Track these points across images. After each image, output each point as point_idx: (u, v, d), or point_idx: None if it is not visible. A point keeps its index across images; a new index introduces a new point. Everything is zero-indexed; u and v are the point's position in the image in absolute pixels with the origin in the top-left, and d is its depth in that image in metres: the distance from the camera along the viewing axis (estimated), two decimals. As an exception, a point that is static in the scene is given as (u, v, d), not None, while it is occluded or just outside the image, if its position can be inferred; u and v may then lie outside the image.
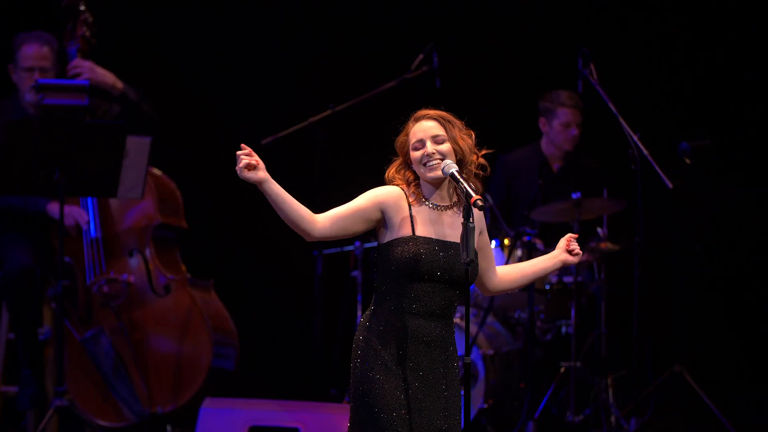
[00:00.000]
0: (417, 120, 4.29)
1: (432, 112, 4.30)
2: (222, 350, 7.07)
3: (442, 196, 4.30)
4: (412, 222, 4.24)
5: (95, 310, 6.98)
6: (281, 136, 7.51)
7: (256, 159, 4.09)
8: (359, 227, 4.25)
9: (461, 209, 4.28)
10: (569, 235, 4.51)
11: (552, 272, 4.55)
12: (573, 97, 7.66)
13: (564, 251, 4.48)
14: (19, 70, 6.88)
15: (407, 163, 4.31)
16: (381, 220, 4.25)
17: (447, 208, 4.31)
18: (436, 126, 4.27)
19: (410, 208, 4.26)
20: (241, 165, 4.08)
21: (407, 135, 4.29)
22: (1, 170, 6.22)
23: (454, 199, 4.32)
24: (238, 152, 4.08)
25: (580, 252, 4.50)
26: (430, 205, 4.29)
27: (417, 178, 4.30)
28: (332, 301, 8.01)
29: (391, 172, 4.34)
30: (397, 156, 4.35)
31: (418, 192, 4.29)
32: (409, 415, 4.19)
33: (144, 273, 7.03)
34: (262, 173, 4.09)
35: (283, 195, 4.13)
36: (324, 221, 4.20)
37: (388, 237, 4.25)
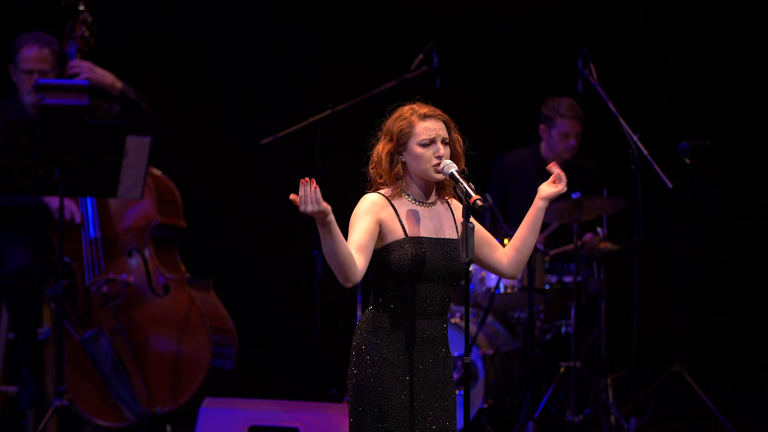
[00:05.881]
0: (426, 116, 4.23)
1: (439, 111, 4.27)
2: (221, 350, 7.07)
3: (428, 194, 4.29)
4: (402, 224, 4.23)
5: (94, 311, 6.98)
6: (281, 136, 7.51)
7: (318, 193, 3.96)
8: (374, 246, 4.21)
9: (445, 206, 4.30)
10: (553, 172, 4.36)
11: (543, 218, 4.37)
12: (573, 108, 7.64)
13: (541, 190, 4.34)
14: (18, 71, 6.87)
15: (399, 153, 4.24)
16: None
17: (430, 204, 4.29)
18: (443, 128, 4.24)
19: (396, 210, 4.24)
20: (311, 196, 3.94)
21: (410, 126, 4.23)
22: (1, 170, 6.21)
23: (437, 199, 4.30)
24: (303, 183, 3.94)
25: (560, 179, 4.33)
26: (412, 201, 4.27)
27: (405, 173, 4.26)
28: (332, 301, 8.01)
29: (383, 159, 4.23)
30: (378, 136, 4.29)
31: (402, 187, 4.26)
32: (413, 417, 4.19)
33: (143, 273, 7.03)
34: (327, 205, 3.97)
35: (340, 234, 4.03)
36: (357, 258, 4.11)
37: (381, 242, 4.22)
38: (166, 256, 7.15)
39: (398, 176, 4.26)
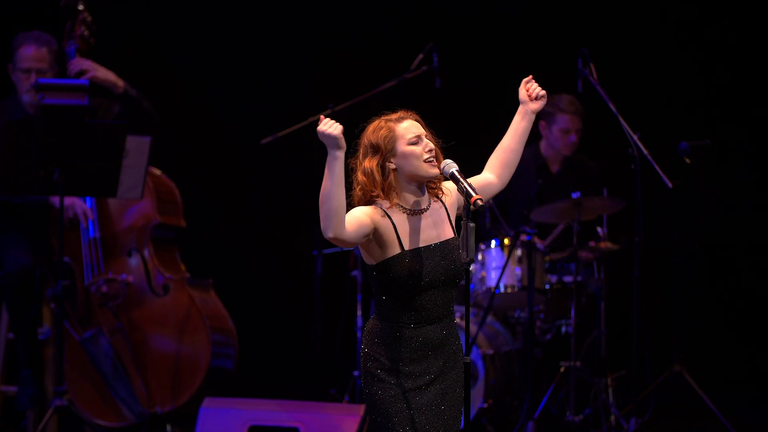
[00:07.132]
0: (401, 119, 4.28)
1: (410, 112, 4.32)
2: (221, 350, 7.07)
3: (420, 200, 4.30)
4: (398, 238, 4.24)
5: (94, 311, 6.98)
6: (281, 136, 7.51)
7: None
8: (362, 240, 4.20)
9: (437, 204, 4.31)
10: (524, 80, 4.50)
11: (529, 129, 4.53)
12: (574, 103, 7.63)
13: (527, 102, 4.50)
14: (17, 71, 6.87)
15: (388, 161, 4.25)
16: (372, 237, 4.22)
17: (423, 211, 4.30)
18: (420, 126, 4.30)
19: (393, 223, 4.24)
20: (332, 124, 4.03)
21: (392, 131, 4.24)
22: (1, 170, 6.21)
23: (430, 201, 4.31)
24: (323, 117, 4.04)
25: (543, 92, 4.48)
26: (408, 212, 4.27)
27: (397, 180, 4.26)
28: (332, 301, 8.01)
29: (374, 172, 4.24)
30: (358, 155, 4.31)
31: (398, 198, 4.26)
32: (422, 420, 4.23)
33: (143, 273, 7.03)
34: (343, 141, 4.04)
35: (343, 178, 4.07)
36: (347, 223, 4.12)
37: (380, 256, 4.23)
38: (165, 256, 7.15)
39: (391, 185, 4.25)
